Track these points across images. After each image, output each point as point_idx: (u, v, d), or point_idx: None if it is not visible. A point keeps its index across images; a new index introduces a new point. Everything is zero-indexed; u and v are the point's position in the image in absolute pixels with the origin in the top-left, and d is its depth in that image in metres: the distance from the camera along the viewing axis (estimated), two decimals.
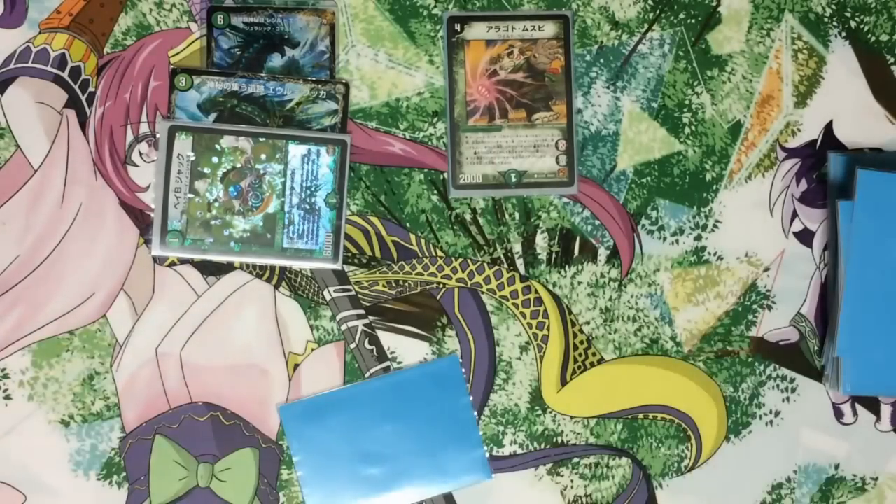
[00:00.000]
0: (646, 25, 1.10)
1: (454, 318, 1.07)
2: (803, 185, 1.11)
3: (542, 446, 1.08)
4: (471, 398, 1.06)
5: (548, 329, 1.08)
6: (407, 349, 1.07)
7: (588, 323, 1.09)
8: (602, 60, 1.10)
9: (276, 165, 1.03)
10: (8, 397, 1.03)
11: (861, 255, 1.05)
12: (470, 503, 1.07)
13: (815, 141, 1.12)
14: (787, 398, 1.10)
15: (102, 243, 1.04)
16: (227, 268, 1.05)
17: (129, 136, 1.05)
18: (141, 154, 1.05)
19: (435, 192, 1.08)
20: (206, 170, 1.02)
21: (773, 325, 1.11)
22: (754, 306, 1.10)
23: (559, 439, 1.08)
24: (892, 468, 1.11)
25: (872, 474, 1.11)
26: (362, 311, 1.06)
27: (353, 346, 1.06)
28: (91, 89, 1.05)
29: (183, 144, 1.02)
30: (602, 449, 1.08)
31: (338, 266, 1.04)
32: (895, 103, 1.12)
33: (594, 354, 1.09)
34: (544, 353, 1.08)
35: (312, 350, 1.06)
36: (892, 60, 1.13)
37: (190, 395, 1.04)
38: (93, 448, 1.04)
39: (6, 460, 1.03)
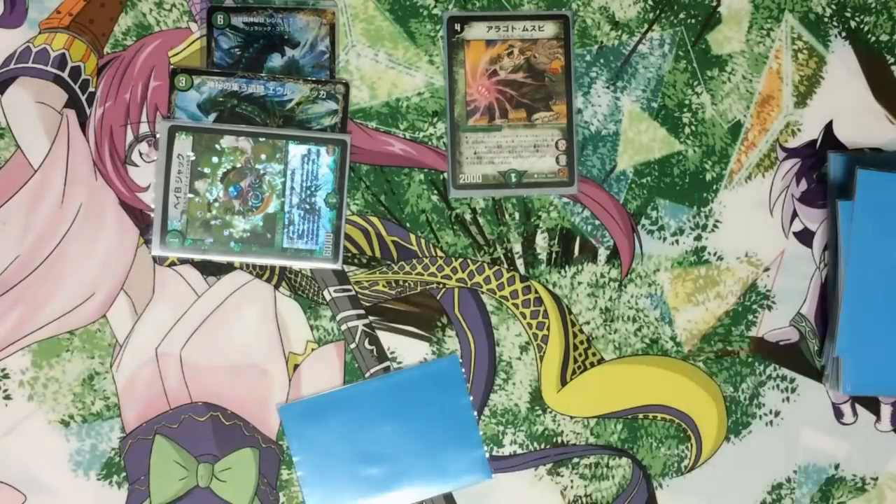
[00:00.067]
0: (646, 25, 1.10)
1: (454, 318, 1.07)
2: (803, 185, 1.11)
3: (542, 446, 1.08)
4: (471, 398, 1.06)
5: (548, 329, 1.08)
6: (407, 349, 1.07)
7: (588, 323, 1.09)
8: (602, 60, 1.10)
9: (276, 165, 1.03)
10: (8, 397, 1.03)
11: (861, 255, 1.05)
12: (470, 503, 1.07)
13: (815, 141, 1.12)
14: (787, 398, 1.10)
15: (102, 243, 1.04)
16: (227, 268, 1.05)
17: (129, 136, 1.05)
18: (141, 154, 1.05)
19: (435, 192, 1.08)
20: (206, 170, 1.02)
21: (773, 325, 1.11)
22: (754, 306, 1.10)
23: (559, 439, 1.08)
24: (892, 468, 1.11)
25: (872, 474, 1.11)
26: (362, 311, 1.06)
27: (353, 346, 1.06)
28: (91, 89, 1.05)
29: (183, 144, 1.02)
30: (602, 449, 1.08)
31: (338, 266, 1.04)
32: (895, 103, 1.13)
33: (594, 354, 1.09)
34: (544, 353, 1.08)
35: (312, 350, 1.06)
36: (892, 60, 1.13)
37: (190, 395, 1.04)
38: (93, 448, 1.04)
39: (6, 460, 1.03)
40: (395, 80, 1.08)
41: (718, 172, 1.11)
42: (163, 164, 1.02)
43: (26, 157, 1.04)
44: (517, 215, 1.08)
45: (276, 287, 1.06)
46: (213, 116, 1.03)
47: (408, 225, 1.07)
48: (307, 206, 1.04)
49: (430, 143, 1.08)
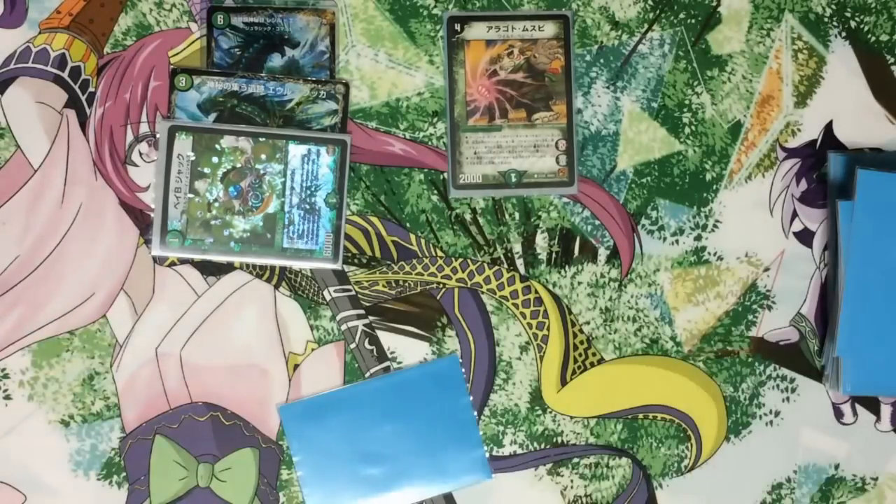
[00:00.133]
0: (646, 25, 1.10)
1: (454, 318, 1.07)
2: (803, 185, 1.11)
3: (542, 446, 1.08)
4: (471, 398, 1.06)
5: (548, 329, 1.08)
6: (407, 349, 1.07)
7: (588, 323, 1.09)
8: (602, 60, 1.10)
9: (276, 165, 1.03)
10: (8, 397, 1.03)
11: (861, 255, 1.05)
12: (470, 503, 1.07)
13: (815, 141, 1.12)
14: (787, 398, 1.10)
15: (102, 243, 1.04)
16: (227, 268, 1.05)
17: (129, 136, 1.05)
18: (141, 154, 1.05)
19: (435, 192, 1.08)
20: (206, 170, 1.02)
21: (773, 325, 1.11)
22: (754, 306, 1.10)
23: (559, 439, 1.08)
24: (892, 468, 1.11)
25: (872, 474, 1.11)
26: (362, 311, 1.06)
27: (353, 346, 1.06)
28: (91, 89, 1.05)
29: (183, 144, 1.02)
30: (602, 449, 1.08)
31: (338, 266, 1.04)
32: (895, 103, 1.12)
33: (594, 354, 1.09)
34: (544, 353, 1.08)
35: (312, 350, 1.06)
36: (892, 60, 1.13)
37: (190, 395, 1.04)
38: (93, 448, 1.04)
39: (6, 460, 1.03)
40: (395, 80, 1.08)
41: (718, 172, 1.11)
42: (163, 164, 1.02)
43: (26, 157, 1.04)
44: (517, 215, 1.08)
45: (276, 287, 1.06)
46: (213, 116, 1.03)
47: (408, 225, 1.07)
48: (307, 206, 1.04)
49: (430, 143, 1.08)
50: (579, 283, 1.09)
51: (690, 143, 1.10)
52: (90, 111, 1.05)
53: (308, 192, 1.04)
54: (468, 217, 1.08)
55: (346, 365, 1.06)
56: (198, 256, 1.03)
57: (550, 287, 1.08)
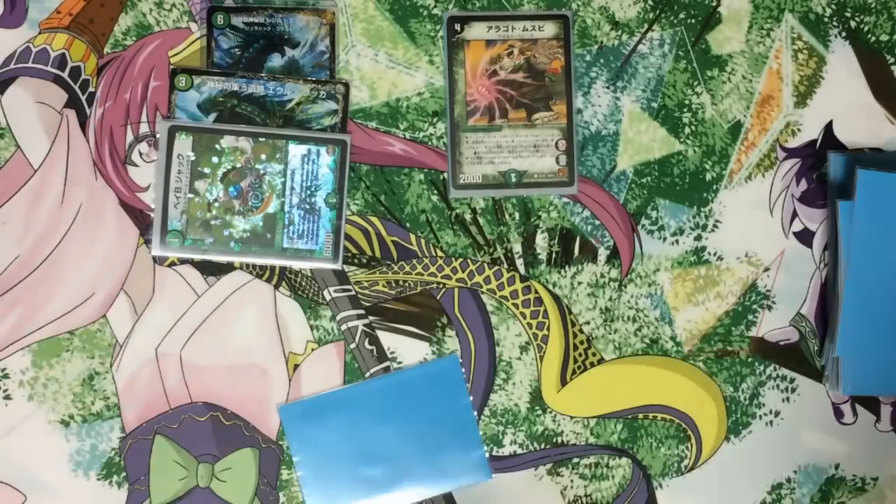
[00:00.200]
0: (646, 25, 1.10)
1: (454, 318, 1.07)
2: (803, 185, 1.11)
3: (542, 446, 1.08)
4: (471, 398, 1.06)
5: (548, 329, 1.08)
6: (407, 349, 1.07)
7: (588, 323, 1.09)
8: (602, 60, 1.10)
9: (276, 165, 1.03)
10: (8, 397, 1.03)
11: (861, 255, 1.05)
12: (470, 503, 1.07)
13: (815, 141, 1.12)
14: (787, 398, 1.10)
15: (102, 243, 1.04)
16: (227, 268, 1.05)
17: (129, 136, 1.05)
18: (141, 154, 1.05)
19: (435, 192, 1.08)
20: (206, 170, 1.02)
21: (773, 325, 1.11)
22: (754, 306, 1.10)
23: (559, 439, 1.08)
24: (892, 468, 1.11)
25: (872, 474, 1.11)
26: (362, 311, 1.06)
27: (353, 346, 1.06)
28: (91, 89, 1.05)
29: (183, 144, 1.02)
30: (602, 449, 1.08)
31: (338, 266, 1.04)
32: (895, 103, 1.13)
33: (594, 354, 1.09)
34: (544, 353, 1.08)
35: (312, 350, 1.06)
36: (892, 60, 1.13)
37: (190, 395, 1.04)
38: (93, 448, 1.04)
39: (6, 460, 1.03)
40: (395, 80, 1.08)
41: (718, 172, 1.11)
42: (163, 164, 1.02)
43: (26, 157, 1.04)
44: (517, 215, 1.08)
45: (276, 287, 1.06)
46: (213, 116, 1.03)
47: (408, 225, 1.07)
48: (307, 206, 1.04)
49: (430, 143, 1.08)
50: (579, 283, 1.09)
51: (690, 143, 1.10)
52: (90, 111, 1.05)
53: (308, 192, 1.04)
54: (468, 217, 1.08)
55: (346, 365, 1.06)
56: (198, 256, 1.03)
57: (550, 287, 1.08)
